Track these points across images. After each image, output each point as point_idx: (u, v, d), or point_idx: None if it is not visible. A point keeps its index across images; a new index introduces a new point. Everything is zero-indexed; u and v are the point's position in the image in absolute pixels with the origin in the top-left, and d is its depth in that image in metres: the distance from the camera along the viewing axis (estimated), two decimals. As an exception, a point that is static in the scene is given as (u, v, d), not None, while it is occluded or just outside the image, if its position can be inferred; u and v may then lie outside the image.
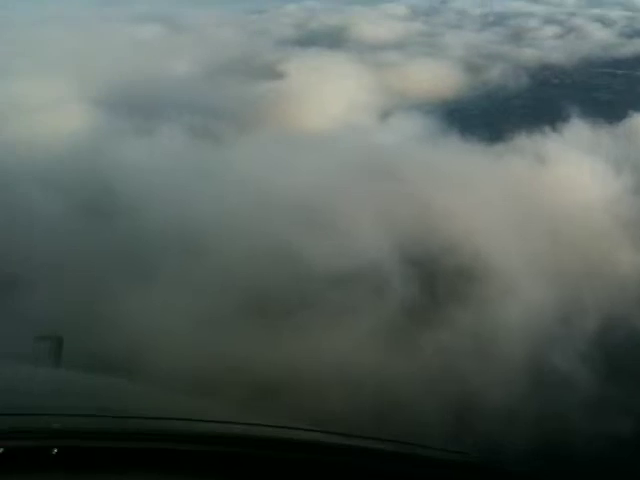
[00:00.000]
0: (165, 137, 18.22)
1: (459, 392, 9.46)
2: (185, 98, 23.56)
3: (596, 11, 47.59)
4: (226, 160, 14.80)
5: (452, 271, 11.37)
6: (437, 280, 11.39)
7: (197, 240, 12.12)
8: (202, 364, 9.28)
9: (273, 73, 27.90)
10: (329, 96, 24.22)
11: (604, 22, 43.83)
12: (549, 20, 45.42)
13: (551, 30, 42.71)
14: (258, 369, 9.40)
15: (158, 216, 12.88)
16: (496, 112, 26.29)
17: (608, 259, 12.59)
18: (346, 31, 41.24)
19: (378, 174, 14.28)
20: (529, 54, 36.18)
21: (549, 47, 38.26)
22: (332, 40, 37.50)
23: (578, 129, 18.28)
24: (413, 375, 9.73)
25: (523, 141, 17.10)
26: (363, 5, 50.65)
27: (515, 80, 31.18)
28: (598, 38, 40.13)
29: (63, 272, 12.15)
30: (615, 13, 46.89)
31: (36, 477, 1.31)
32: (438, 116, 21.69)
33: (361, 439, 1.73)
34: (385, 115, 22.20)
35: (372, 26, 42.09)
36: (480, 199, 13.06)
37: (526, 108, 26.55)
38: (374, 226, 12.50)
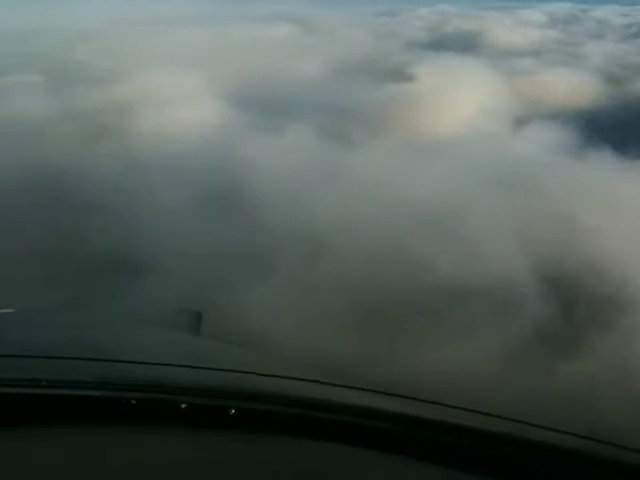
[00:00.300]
0: (294, 136, 18.09)
1: (593, 429, 8.58)
2: (315, 98, 23.45)
3: None
4: (354, 162, 14.41)
5: (595, 295, 10.43)
6: (577, 304, 10.49)
7: (318, 241, 11.80)
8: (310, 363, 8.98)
9: (403, 76, 27.36)
10: (460, 101, 23.39)
11: None
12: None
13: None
14: (368, 375, 8.97)
15: (283, 214, 12.69)
16: (637, 125, 24.55)
17: None
18: (480, 36, 40.09)
19: (513, 186, 13.46)
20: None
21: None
22: (465, 45, 36.50)
23: None
24: (540, 406, 8.92)
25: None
26: (498, 11, 49.21)
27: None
28: None
29: (185, 262, 12.23)
30: None
31: (215, 434, 1.37)
32: (575, 127, 20.44)
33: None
34: (519, 124, 21.15)
35: (507, 32, 40.68)
36: (626, 218, 11.98)
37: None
38: (508, 241, 11.72)
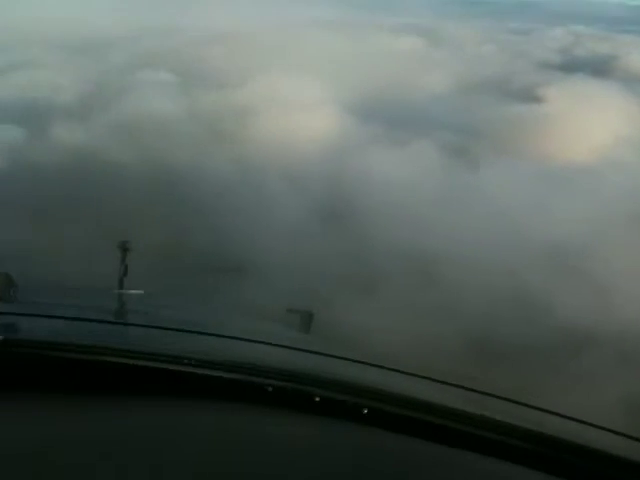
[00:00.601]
0: (416, 151, 17.51)
1: None
2: (439, 113, 22.79)
3: None
4: (478, 183, 13.60)
5: None
6: None
7: (432, 263, 11.10)
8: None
9: (532, 96, 26.16)
10: (593, 127, 21.98)
11: None
12: None
13: None
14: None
15: (398, 231, 12.09)
16: None
17: None
18: (616, 60, 37.91)
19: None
20: None
21: None
22: (599, 68, 34.56)
23: None
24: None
25: None
26: (636, 34, 46.50)
27: None
28: None
29: (290, 272, 11.89)
30: None
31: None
32: None
33: None
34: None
35: (645, 57, 38.25)
36: None
37: None
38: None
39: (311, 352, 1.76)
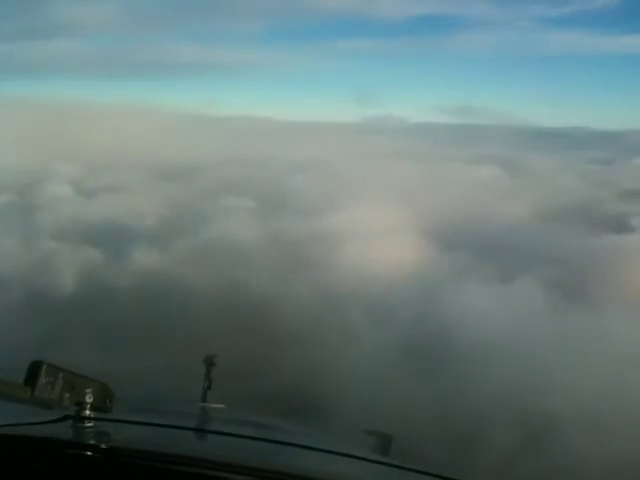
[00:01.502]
0: (502, 283, 16.22)
1: None
2: (523, 244, 21.56)
3: None
4: (584, 324, 11.99)
5: None
6: None
7: (540, 418, 9.51)
8: None
9: (624, 226, 24.72)
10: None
11: None
12: None
13: None
14: None
15: (499, 378, 10.59)
16: None
17: None
18: None
19: None
20: None
21: None
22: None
23: None
24: None
25: None
26: None
27: None
28: None
29: (367, 414, 10.46)
30: None
31: None
32: None
33: None
34: None
35: None
36: None
37: None
38: None
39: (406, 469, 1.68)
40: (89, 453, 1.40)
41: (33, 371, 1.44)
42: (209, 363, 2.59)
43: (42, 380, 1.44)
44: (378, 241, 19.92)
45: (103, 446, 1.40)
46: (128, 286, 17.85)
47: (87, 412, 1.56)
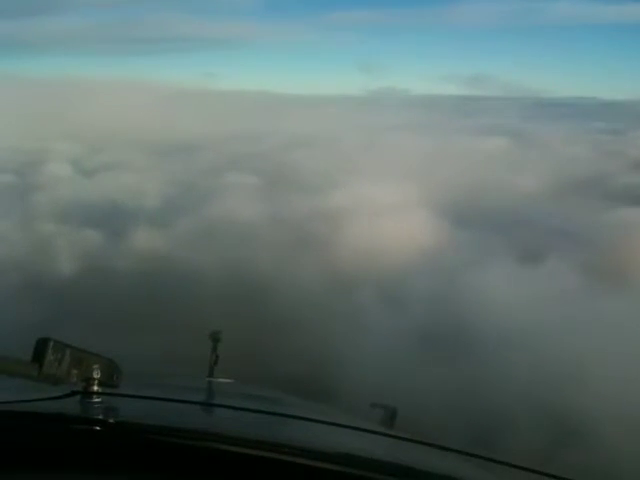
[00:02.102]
0: (519, 262, 15.37)
1: None
2: (539, 220, 20.73)
3: None
4: (615, 306, 11.07)
5: None
6: None
7: (572, 414, 8.72)
8: None
9: (637, 199, 23.80)
10: None
11: None
12: None
13: None
14: None
15: (515, 364, 9.80)
16: None
17: None
18: None
19: None
20: None
21: None
22: None
23: None
24: None
25: None
26: None
27: None
28: None
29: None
30: None
31: None
32: None
33: None
34: None
35: None
36: None
37: None
38: None
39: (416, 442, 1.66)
40: (97, 428, 1.41)
41: (40, 348, 1.43)
42: (215, 339, 2.60)
43: (49, 357, 1.44)
44: (388, 219, 19.06)
45: (111, 421, 1.42)
46: (128, 269, 17.10)
47: (95, 388, 1.55)
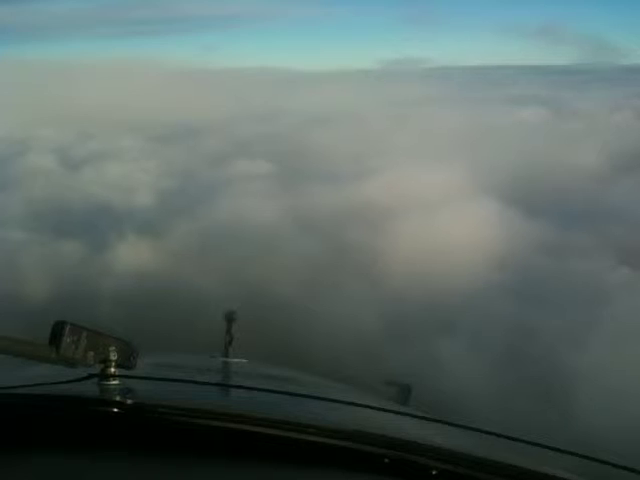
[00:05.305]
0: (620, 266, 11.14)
1: None
2: (617, 207, 16.37)
3: None
4: None
5: None
6: None
7: None
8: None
9: None
10: None
11: None
12: None
13: None
14: None
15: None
16: None
17: None
18: None
19: None
20: None
21: None
22: None
23: None
24: None
25: None
26: None
27: None
28: None
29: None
30: None
31: None
32: None
33: None
34: None
35: None
36: None
37: None
38: None
39: (429, 419, 1.64)
40: (115, 410, 1.36)
41: (57, 331, 1.37)
42: (229, 319, 2.54)
43: (66, 339, 1.39)
44: (437, 211, 14.62)
45: (129, 402, 1.39)
46: (113, 290, 12.79)
47: (112, 370, 1.49)
